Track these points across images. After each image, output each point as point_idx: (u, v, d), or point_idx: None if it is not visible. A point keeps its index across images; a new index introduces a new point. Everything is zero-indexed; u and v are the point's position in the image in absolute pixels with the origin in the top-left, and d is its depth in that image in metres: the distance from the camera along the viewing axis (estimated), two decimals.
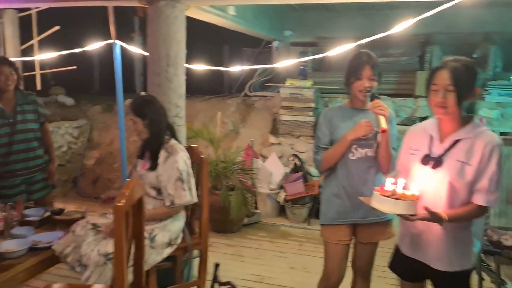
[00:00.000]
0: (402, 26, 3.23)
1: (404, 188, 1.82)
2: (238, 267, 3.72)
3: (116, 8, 4.21)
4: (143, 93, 2.80)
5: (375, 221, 2.37)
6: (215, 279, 3.11)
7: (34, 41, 5.36)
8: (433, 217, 1.77)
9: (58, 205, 3.75)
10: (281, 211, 5.06)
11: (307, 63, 6.60)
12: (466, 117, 1.85)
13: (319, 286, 2.50)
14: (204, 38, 7.71)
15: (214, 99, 6.87)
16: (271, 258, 3.95)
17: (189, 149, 3.04)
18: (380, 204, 1.79)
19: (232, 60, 8.25)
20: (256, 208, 4.99)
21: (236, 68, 4.63)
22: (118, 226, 1.84)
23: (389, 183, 1.84)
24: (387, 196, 1.76)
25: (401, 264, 2.12)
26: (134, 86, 7.46)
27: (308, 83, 5.88)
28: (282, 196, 4.93)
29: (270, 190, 4.99)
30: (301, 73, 6.76)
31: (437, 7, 3.13)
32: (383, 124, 2.14)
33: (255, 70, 6.79)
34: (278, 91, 6.01)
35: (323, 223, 2.44)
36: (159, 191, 2.64)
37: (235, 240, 4.37)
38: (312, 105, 5.63)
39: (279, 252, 4.08)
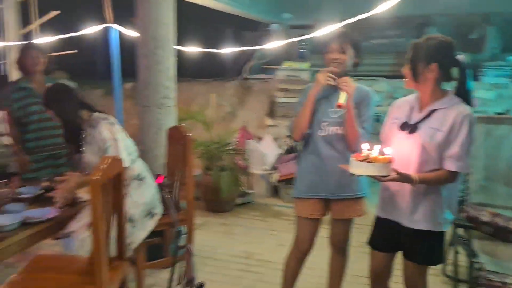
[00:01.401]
0: (386, 6, 3.26)
1: (379, 153, 1.92)
2: (229, 244, 3.84)
3: None
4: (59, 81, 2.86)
5: (347, 197, 2.44)
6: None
7: (34, 25, 5.47)
8: (403, 177, 1.88)
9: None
10: (275, 191, 5.16)
11: (306, 45, 6.64)
12: (442, 91, 2.01)
13: (290, 254, 2.60)
14: (207, 22, 7.77)
15: (214, 82, 6.95)
16: (261, 235, 4.06)
17: (174, 128, 3.14)
18: (355, 168, 1.90)
19: (234, 43, 8.31)
20: (250, 188, 5.10)
21: (227, 50, 4.69)
22: (94, 199, 1.95)
23: (364, 149, 1.95)
24: (361, 160, 1.86)
25: (376, 230, 2.23)
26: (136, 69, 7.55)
27: (306, 65, 5.92)
28: (275, 176, 5.03)
29: (264, 171, 5.09)
30: (299, 55, 6.80)
31: None
32: (342, 99, 2.20)
33: (253, 53, 6.84)
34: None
35: (295, 196, 2.53)
36: None
37: (227, 219, 4.49)
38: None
39: (269, 230, 4.19)
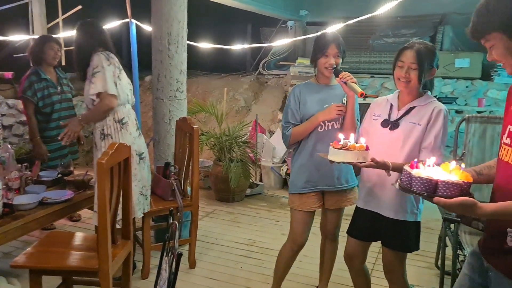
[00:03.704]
0: (388, 7, 3.36)
1: (355, 142, 2.05)
2: (234, 232, 4.03)
3: None
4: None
5: (342, 188, 2.58)
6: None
7: (59, 19, 5.74)
8: (379, 164, 1.99)
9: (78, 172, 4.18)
10: (284, 184, 5.32)
11: None
12: (421, 91, 2.17)
13: (285, 248, 2.71)
14: (225, 18, 7.94)
15: (230, 76, 7.13)
16: (266, 225, 4.23)
17: (183, 120, 3.33)
18: (333, 155, 2.02)
19: (253, 39, 8.46)
20: (260, 180, 5.27)
21: (238, 47, 4.86)
22: (100, 181, 2.16)
23: (341, 138, 2.08)
24: (339, 148, 2.00)
25: (355, 220, 2.37)
26: None
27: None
28: (284, 169, 5.19)
29: (274, 163, 5.26)
30: None
31: None
32: (359, 88, 2.30)
33: (270, 49, 6.98)
34: None
35: (293, 192, 2.63)
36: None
37: (236, 208, 4.68)
38: None
39: (274, 220, 4.36)
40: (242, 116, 6.25)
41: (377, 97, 2.49)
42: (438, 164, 1.63)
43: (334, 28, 4.05)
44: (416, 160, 1.66)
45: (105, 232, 2.22)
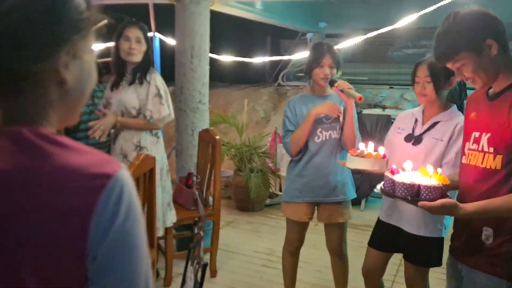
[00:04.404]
0: (407, 21, 3.41)
1: (374, 150, 2.08)
2: (254, 241, 4.08)
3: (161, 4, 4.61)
4: None
5: (336, 200, 2.55)
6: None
7: None
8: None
9: None
10: None
11: (339, 54, 6.79)
12: (445, 104, 2.18)
13: (283, 250, 2.81)
14: (245, 30, 8.06)
15: (250, 88, 7.23)
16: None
17: (205, 131, 3.42)
18: (350, 162, 2.07)
19: (273, 50, 8.56)
20: (279, 190, 5.32)
21: (258, 59, 4.95)
22: None
23: (361, 146, 2.13)
24: (356, 155, 2.04)
25: (376, 231, 2.39)
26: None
27: (338, 73, 6.07)
28: None
29: None
30: None
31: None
32: (356, 93, 2.30)
33: (289, 60, 7.06)
34: None
35: (285, 200, 2.66)
36: (139, 110, 2.89)
37: (255, 218, 4.74)
38: None
39: None
40: (262, 127, 6.33)
41: (396, 108, 2.54)
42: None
43: (354, 41, 4.11)
44: (395, 166, 1.74)
45: None
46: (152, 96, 2.86)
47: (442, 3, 3.13)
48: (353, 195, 2.64)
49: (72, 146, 0.70)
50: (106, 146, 4.02)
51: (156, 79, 2.89)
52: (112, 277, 0.68)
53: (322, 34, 7.47)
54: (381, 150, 2.09)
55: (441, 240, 2.21)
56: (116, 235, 0.67)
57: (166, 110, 2.89)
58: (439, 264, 2.23)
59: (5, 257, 0.64)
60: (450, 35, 1.53)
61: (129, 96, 2.88)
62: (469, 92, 2.25)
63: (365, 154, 2.04)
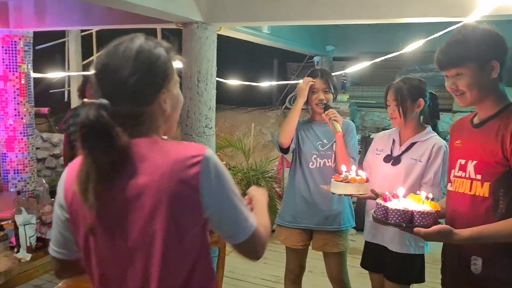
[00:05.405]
0: (415, 46, 3.39)
1: (356, 175, 2.11)
2: (261, 268, 4.00)
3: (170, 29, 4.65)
4: None
5: (330, 229, 2.52)
6: None
7: (94, 57, 6.00)
8: (378, 196, 1.99)
9: None
10: None
11: (347, 77, 6.79)
12: (420, 125, 2.25)
13: (285, 277, 2.75)
14: (253, 54, 8.12)
15: (257, 111, 7.22)
16: None
17: None
18: (334, 188, 2.09)
19: (280, 73, 8.58)
20: None
21: (265, 84, 4.94)
22: None
23: (343, 170, 2.14)
24: (340, 181, 2.04)
25: (366, 253, 2.41)
26: None
27: (345, 97, 6.06)
28: None
29: None
30: (342, 87, 6.94)
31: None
32: (338, 128, 2.35)
33: (296, 84, 7.06)
34: None
35: (278, 223, 2.65)
36: None
37: None
38: (347, 118, 5.79)
39: None
40: (269, 150, 6.28)
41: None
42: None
43: (360, 65, 4.10)
44: (387, 193, 1.74)
45: None
46: None
47: (449, 29, 3.11)
48: (350, 224, 2.60)
49: (174, 142, 1.11)
50: None
51: None
52: (223, 214, 1.11)
53: (330, 57, 7.48)
54: (362, 173, 2.11)
55: (422, 256, 2.26)
56: (215, 188, 1.07)
57: None
58: (422, 280, 2.26)
59: (145, 212, 1.04)
60: (463, 44, 1.53)
61: None
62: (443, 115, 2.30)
63: (349, 179, 2.02)
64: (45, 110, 5.95)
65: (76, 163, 1.16)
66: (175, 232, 1.05)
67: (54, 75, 5.89)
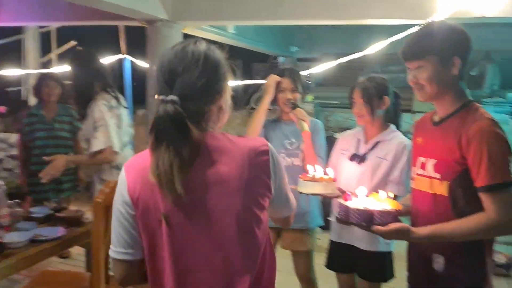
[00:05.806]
0: (378, 47, 3.46)
1: (324, 174, 2.08)
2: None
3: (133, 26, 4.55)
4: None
5: (298, 227, 2.48)
6: None
7: (53, 54, 5.80)
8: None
9: (72, 207, 4.12)
10: None
11: (311, 78, 6.86)
12: (384, 124, 2.26)
13: None
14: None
15: None
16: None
17: None
18: (302, 187, 2.03)
19: (244, 74, 8.57)
20: None
21: (231, 83, 4.92)
22: (96, 220, 2.14)
23: (310, 170, 2.11)
24: (308, 180, 2.02)
25: (332, 254, 2.40)
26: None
27: (309, 97, 6.13)
28: None
29: None
30: (306, 88, 7.01)
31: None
32: (306, 127, 2.35)
33: (261, 84, 7.08)
34: None
35: None
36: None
37: None
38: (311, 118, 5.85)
39: None
40: None
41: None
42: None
43: (324, 66, 4.15)
44: (349, 192, 1.75)
45: (98, 272, 2.18)
46: (91, 130, 2.74)
47: (410, 31, 3.20)
48: (317, 223, 2.60)
49: (236, 136, 1.22)
50: (63, 183, 3.85)
51: (94, 110, 2.73)
52: (281, 195, 1.28)
53: (294, 58, 7.55)
54: (329, 171, 2.09)
55: (390, 253, 2.28)
56: (277, 173, 1.23)
57: (98, 145, 2.70)
58: (391, 276, 2.29)
59: (228, 199, 1.15)
60: (428, 37, 1.54)
61: (82, 132, 2.85)
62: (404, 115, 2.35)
63: (317, 178, 2.02)
64: (2, 109, 5.70)
65: (136, 161, 1.25)
66: (252, 218, 1.17)
67: (8, 72, 5.65)
